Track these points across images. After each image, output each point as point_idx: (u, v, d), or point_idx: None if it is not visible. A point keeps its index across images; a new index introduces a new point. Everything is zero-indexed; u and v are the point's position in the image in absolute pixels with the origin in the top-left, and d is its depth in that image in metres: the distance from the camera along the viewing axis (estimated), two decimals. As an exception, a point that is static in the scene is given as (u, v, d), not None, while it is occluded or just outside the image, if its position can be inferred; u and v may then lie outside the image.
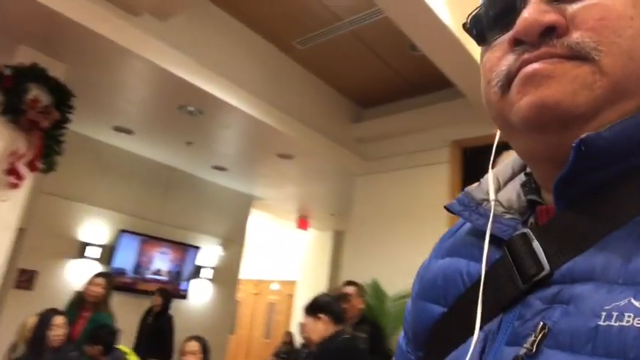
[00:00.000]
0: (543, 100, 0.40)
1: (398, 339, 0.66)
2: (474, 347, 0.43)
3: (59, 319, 2.96)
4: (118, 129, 4.76)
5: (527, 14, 0.41)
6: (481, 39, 0.49)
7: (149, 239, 5.48)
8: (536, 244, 0.43)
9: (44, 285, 4.70)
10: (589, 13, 0.40)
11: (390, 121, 5.03)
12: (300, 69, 4.79)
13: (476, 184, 0.56)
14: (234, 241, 6.61)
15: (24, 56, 3.31)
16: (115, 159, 5.29)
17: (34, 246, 4.61)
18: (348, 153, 5.14)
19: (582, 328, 0.35)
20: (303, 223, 8.13)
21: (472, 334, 0.44)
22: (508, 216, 0.50)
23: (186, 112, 4.15)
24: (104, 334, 3.08)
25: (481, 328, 0.44)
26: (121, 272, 5.18)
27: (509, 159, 0.57)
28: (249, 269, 8.05)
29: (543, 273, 0.41)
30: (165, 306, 4.63)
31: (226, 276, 6.45)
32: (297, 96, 4.77)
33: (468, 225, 0.57)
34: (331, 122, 5.09)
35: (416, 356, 0.58)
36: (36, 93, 3.27)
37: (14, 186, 3.12)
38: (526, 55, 0.42)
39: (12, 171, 3.10)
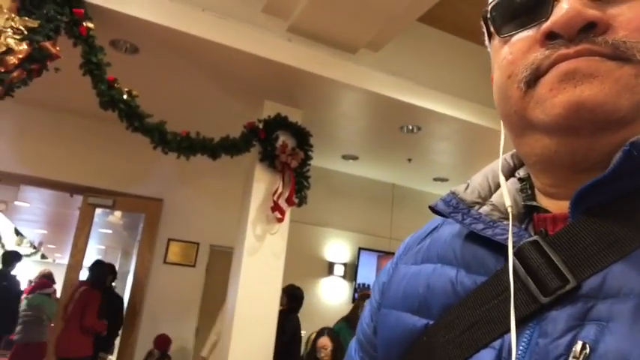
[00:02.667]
0: (584, 100, 0.37)
1: (348, 350, 0.60)
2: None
3: (324, 340, 3.30)
4: (346, 157, 5.22)
5: (568, 6, 0.38)
6: (500, 29, 0.45)
7: (384, 254, 5.80)
8: (553, 254, 0.38)
9: (304, 302, 5.36)
10: (636, 13, 0.38)
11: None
12: (513, 63, 4.53)
13: (463, 185, 0.53)
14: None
15: (269, 109, 3.90)
16: (344, 184, 5.79)
17: (292, 268, 5.31)
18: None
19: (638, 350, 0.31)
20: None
21: (473, 350, 0.40)
22: (506, 222, 0.44)
23: (406, 131, 4.31)
24: None
25: (488, 344, 0.40)
26: (365, 287, 5.59)
27: (494, 162, 0.54)
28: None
29: (569, 286, 0.36)
30: (291, 305, 4.32)
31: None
32: (515, 92, 4.50)
33: (444, 229, 0.53)
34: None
35: None
36: (283, 138, 3.82)
37: (279, 220, 3.69)
38: (563, 50, 0.38)
39: (276, 207, 3.67)
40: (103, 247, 12.21)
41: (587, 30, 0.38)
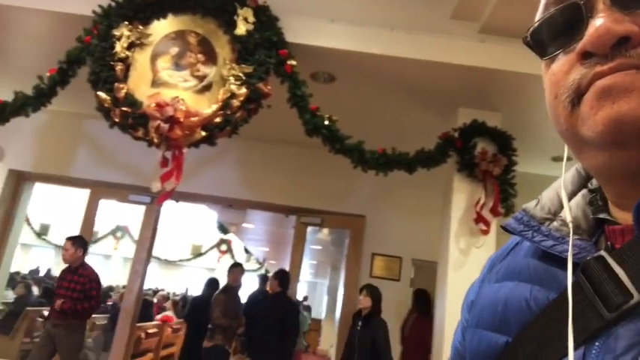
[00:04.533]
0: (622, 114, 0.37)
1: None
2: None
3: None
4: (557, 159, 4.67)
5: (599, 24, 0.39)
6: (543, 52, 0.46)
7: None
8: (617, 269, 0.38)
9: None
10: None
11: None
12: None
13: (534, 201, 0.53)
14: None
15: (463, 117, 3.75)
16: (556, 189, 5.19)
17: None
18: None
19: None
20: None
21: None
22: (576, 237, 0.45)
23: (634, 121, 3.66)
24: None
25: None
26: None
27: (566, 175, 0.53)
28: None
29: (633, 301, 0.36)
30: (376, 307, 4.13)
31: None
32: None
33: (524, 245, 0.53)
34: None
35: None
36: (482, 145, 3.62)
37: (484, 232, 3.47)
38: (598, 68, 0.39)
39: (480, 219, 3.47)
40: (315, 262, 13.29)
41: (622, 44, 0.38)
